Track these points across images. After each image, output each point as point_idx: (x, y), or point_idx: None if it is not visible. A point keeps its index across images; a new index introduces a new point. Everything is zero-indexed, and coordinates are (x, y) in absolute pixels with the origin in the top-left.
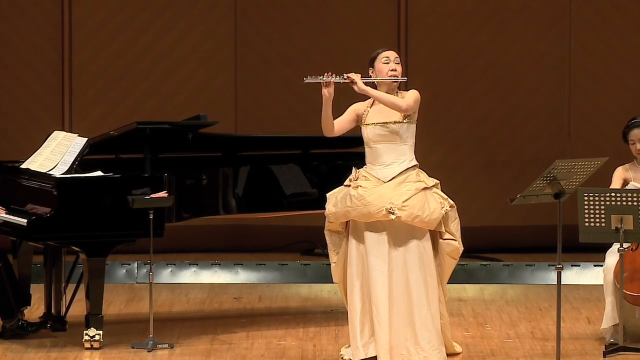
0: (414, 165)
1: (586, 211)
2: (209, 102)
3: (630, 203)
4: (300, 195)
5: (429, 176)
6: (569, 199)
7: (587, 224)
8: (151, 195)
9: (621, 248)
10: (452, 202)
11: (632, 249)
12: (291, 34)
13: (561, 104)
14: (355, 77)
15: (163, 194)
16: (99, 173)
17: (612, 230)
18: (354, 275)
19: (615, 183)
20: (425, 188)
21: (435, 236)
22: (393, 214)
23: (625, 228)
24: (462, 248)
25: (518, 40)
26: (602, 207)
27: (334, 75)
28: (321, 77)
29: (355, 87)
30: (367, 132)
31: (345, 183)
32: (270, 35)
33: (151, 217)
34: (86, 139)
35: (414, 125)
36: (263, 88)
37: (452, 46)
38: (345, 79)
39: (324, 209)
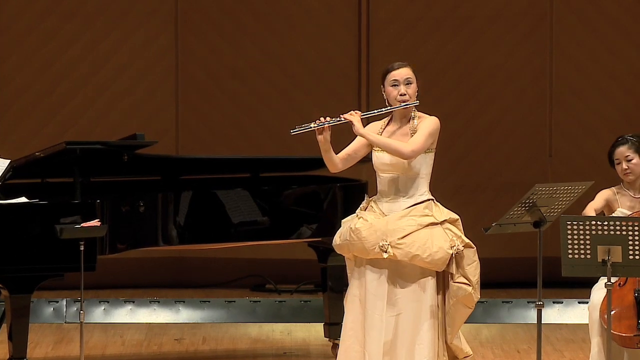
0: (426, 200)
1: (569, 242)
2: (147, 120)
3: (618, 232)
4: (250, 224)
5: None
6: (550, 228)
7: (570, 256)
8: (82, 224)
9: (608, 283)
10: (468, 241)
11: (620, 284)
12: (239, 43)
13: (541, 121)
14: (352, 117)
15: (95, 222)
16: (23, 199)
17: (598, 263)
18: (348, 313)
19: (597, 202)
20: (432, 224)
21: (447, 278)
22: (386, 252)
23: (613, 260)
24: (479, 296)
25: (493, 50)
26: (587, 237)
27: (327, 119)
28: (312, 124)
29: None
30: (375, 159)
31: (357, 211)
32: (216, 44)
33: (82, 248)
34: (9, 160)
35: (432, 154)
36: (208, 104)
37: (419, 57)
38: (340, 120)
39: (275, 238)
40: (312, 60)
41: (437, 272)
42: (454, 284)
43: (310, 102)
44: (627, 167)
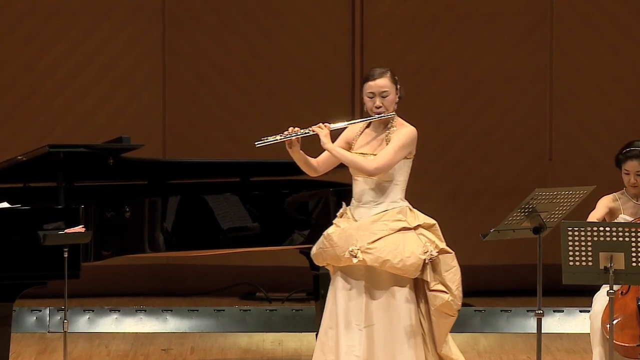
0: (398, 207)
1: (570, 248)
2: (133, 122)
3: (621, 239)
4: (239, 230)
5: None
6: (551, 235)
7: (571, 263)
8: (65, 231)
9: (611, 291)
10: (444, 246)
11: (622, 292)
12: (228, 43)
13: (541, 124)
14: (320, 131)
15: (79, 228)
16: (4, 204)
17: (600, 270)
18: (325, 325)
19: (599, 211)
20: (405, 228)
21: (423, 286)
22: (356, 257)
23: (615, 267)
24: (460, 303)
25: (491, 50)
26: (589, 244)
27: (296, 129)
28: (278, 136)
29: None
30: None
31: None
32: (204, 44)
33: (66, 255)
34: None
35: (409, 161)
36: (196, 105)
37: (415, 58)
38: (308, 133)
39: (266, 245)
40: (303, 61)
41: (416, 281)
42: (429, 292)
43: (302, 104)
44: (635, 182)
